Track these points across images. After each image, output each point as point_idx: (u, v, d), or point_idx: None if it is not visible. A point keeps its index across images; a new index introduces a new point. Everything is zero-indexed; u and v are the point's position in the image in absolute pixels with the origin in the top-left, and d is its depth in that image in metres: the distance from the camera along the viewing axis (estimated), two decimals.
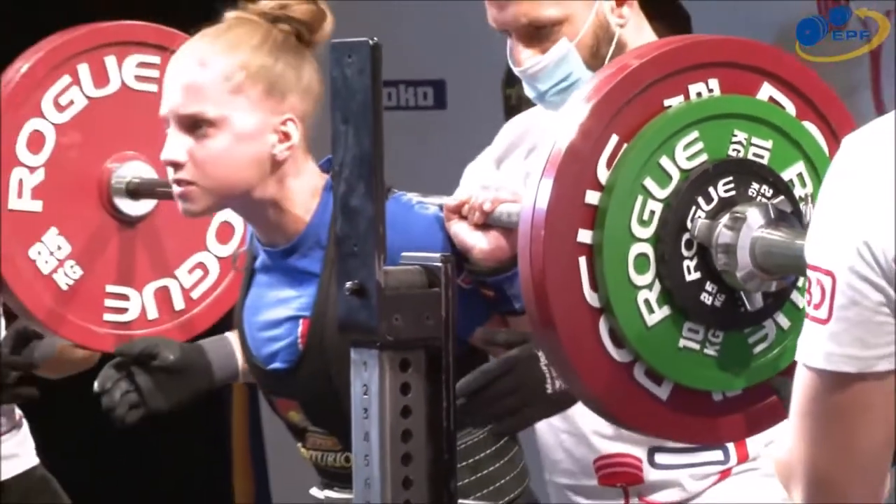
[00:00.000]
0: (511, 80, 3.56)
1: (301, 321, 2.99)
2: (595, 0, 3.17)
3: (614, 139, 2.44)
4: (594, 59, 3.10)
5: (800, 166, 2.57)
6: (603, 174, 2.44)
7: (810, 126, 2.56)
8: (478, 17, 3.29)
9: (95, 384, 3.11)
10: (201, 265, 3.47)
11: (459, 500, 2.59)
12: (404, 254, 2.52)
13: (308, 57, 2.98)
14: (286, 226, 3.01)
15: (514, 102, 4.11)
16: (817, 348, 2.13)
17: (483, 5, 3.32)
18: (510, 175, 3.19)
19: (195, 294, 3.50)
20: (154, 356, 3.11)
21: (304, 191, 3.01)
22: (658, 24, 3.69)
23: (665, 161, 2.47)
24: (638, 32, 3.19)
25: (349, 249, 2.48)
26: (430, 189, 3.01)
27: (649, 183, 2.45)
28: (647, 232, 2.47)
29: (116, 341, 3.39)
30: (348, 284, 2.46)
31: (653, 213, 2.47)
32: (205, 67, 2.92)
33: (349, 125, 2.45)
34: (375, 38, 2.41)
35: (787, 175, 2.54)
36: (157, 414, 3.14)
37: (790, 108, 2.55)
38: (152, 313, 3.48)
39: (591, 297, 2.45)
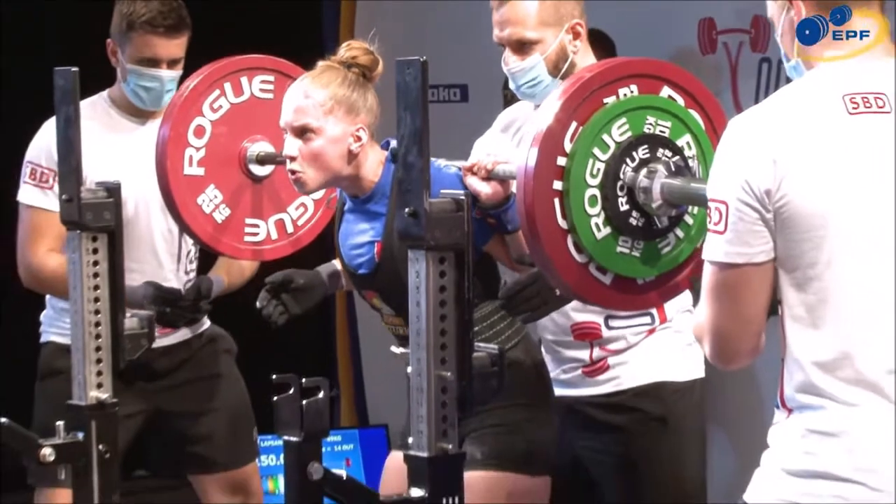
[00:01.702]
0: (507, 84, 3.87)
1: (376, 243, 3.22)
2: (560, 33, 3.31)
3: (574, 124, 2.68)
4: (554, 70, 3.29)
5: (688, 137, 2.77)
6: (567, 146, 2.67)
7: (694, 112, 2.77)
8: (492, 43, 3.48)
9: (257, 302, 3.45)
10: (303, 204, 3.71)
11: (481, 345, 2.79)
12: (442, 191, 2.68)
13: (370, 88, 3.22)
14: (362, 186, 3.21)
15: (509, 99, 4.26)
16: (718, 250, 2.34)
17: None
18: (504, 145, 3.35)
19: (300, 223, 3.75)
20: (291, 281, 3.39)
21: (372, 165, 3.19)
22: (595, 48, 3.98)
23: (606, 137, 2.70)
24: (583, 56, 3.33)
25: (407, 188, 2.64)
26: (457, 156, 3.22)
27: (596, 151, 2.70)
28: (596, 181, 2.71)
29: (251, 254, 3.78)
30: (406, 210, 2.62)
31: (599, 169, 2.71)
32: (308, 97, 3.16)
33: (407, 111, 2.62)
34: (424, 57, 2.61)
35: (680, 143, 2.75)
36: (296, 317, 3.44)
37: (681, 101, 2.78)
38: (273, 235, 3.74)
39: (562, 223, 2.70)
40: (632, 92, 2.75)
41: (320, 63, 3.20)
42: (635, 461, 3.51)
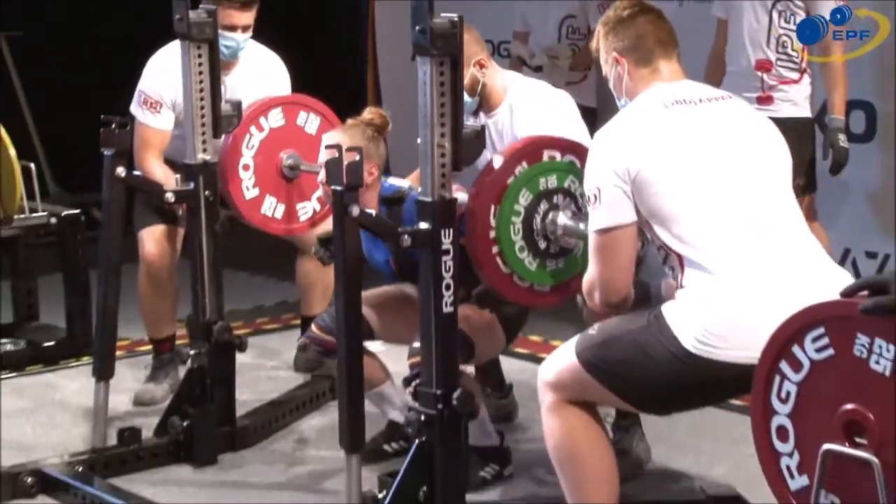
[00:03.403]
0: None
1: (390, 261, 3.57)
2: (470, 69, 3.55)
3: (493, 206, 3.06)
4: (472, 92, 3.58)
5: (570, 177, 3.14)
6: (493, 222, 3.06)
7: (569, 157, 3.15)
8: None
9: (313, 249, 3.78)
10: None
11: (468, 123, 3.05)
12: (442, 14, 2.90)
13: (381, 141, 3.54)
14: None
15: None
16: (596, 220, 2.78)
17: None
18: None
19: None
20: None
21: (372, 199, 3.49)
22: None
23: (516, 206, 3.08)
24: (492, 76, 3.67)
25: (418, 15, 2.89)
26: None
27: (513, 218, 3.08)
28: (519, 237, 3.10)
29: (306, 228, 4.22)
30: (417, 27, 2.90)
31: (518, 228, 3.09)
32: (336, 141, 3.37)
33: None
34: None
35: (566, 184, 3.13)
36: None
37: (558, 156, 3.14)
38: (317, 209, 4.23)
39: (504, 269, 3.10)
40: (523, 167, 3.10)
41: (349, 120, 3.58)
42: None
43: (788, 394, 2.30)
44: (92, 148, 3.87)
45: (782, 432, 2.31)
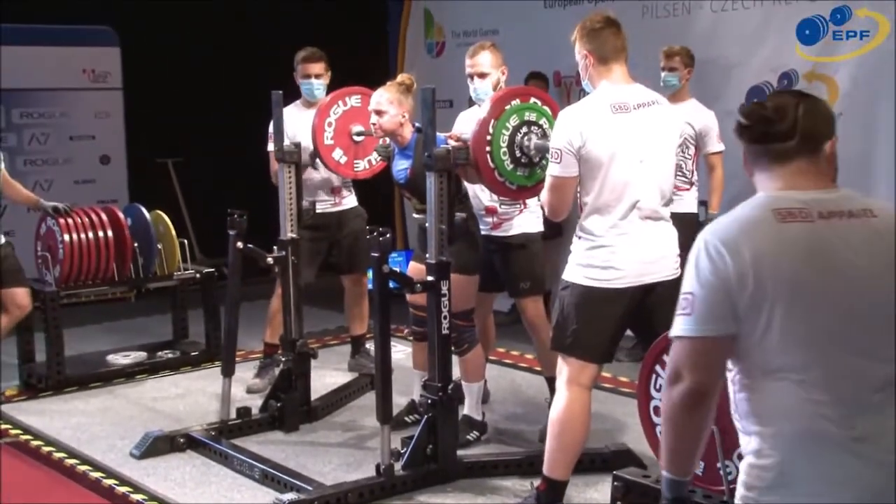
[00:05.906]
0: (470, 98, 3.72)
1: (408, 169, 3.71)
2: (497, 72, 3.74)
3: (493, 120, 3.18)
4: (494, 89, 3.71)
5: (544, 119, 3.28)
6: (490, 131, 3.12)
7: (546, 107, 3.25)
8: (463, 85, 3.87)
9: None
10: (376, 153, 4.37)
11: (457, 213, 3.12)
12: (441, 145, 3.04)
13: (411, 95, 3.66)
14: (402, 141, 3.68)
15: (469, 105, 4.00)
16: (553, 169, 2.94)
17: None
18: (468, 124, 3.58)
19: (374, 162, 4.09)
20: None
21: (407, 132, 3.64)
22: (538, 80, 4.93)
23: (507, 124, 3.18)
24: (504, 81, 3.89)
25: (428, 143, 2.99)
26: (446, 131, 3.43)
27: (503, 132, 3.17)
28: (505, 146, 3.19)
29: (358, 175, 4.21)
30: (426, 153, 3.01)
31: (505, 140, 3.20)
32: (381, 96, 3.65)
33: (426, 110, 2.95)
34: (434, 86, 3.00)
35: (541, 122, 3.22)
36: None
37: (539, 103, 3.25)
38: (366, 166, 4.15)
39: (491, 165, 3.12)
40: (517, 102, 3.33)
41: (389, 82, 3.82)
42: (512, 259, 3.91)
43: (661, 386, 2.42)
44: (222, 230, 4.14)
45: (657, 410, 2.44)
